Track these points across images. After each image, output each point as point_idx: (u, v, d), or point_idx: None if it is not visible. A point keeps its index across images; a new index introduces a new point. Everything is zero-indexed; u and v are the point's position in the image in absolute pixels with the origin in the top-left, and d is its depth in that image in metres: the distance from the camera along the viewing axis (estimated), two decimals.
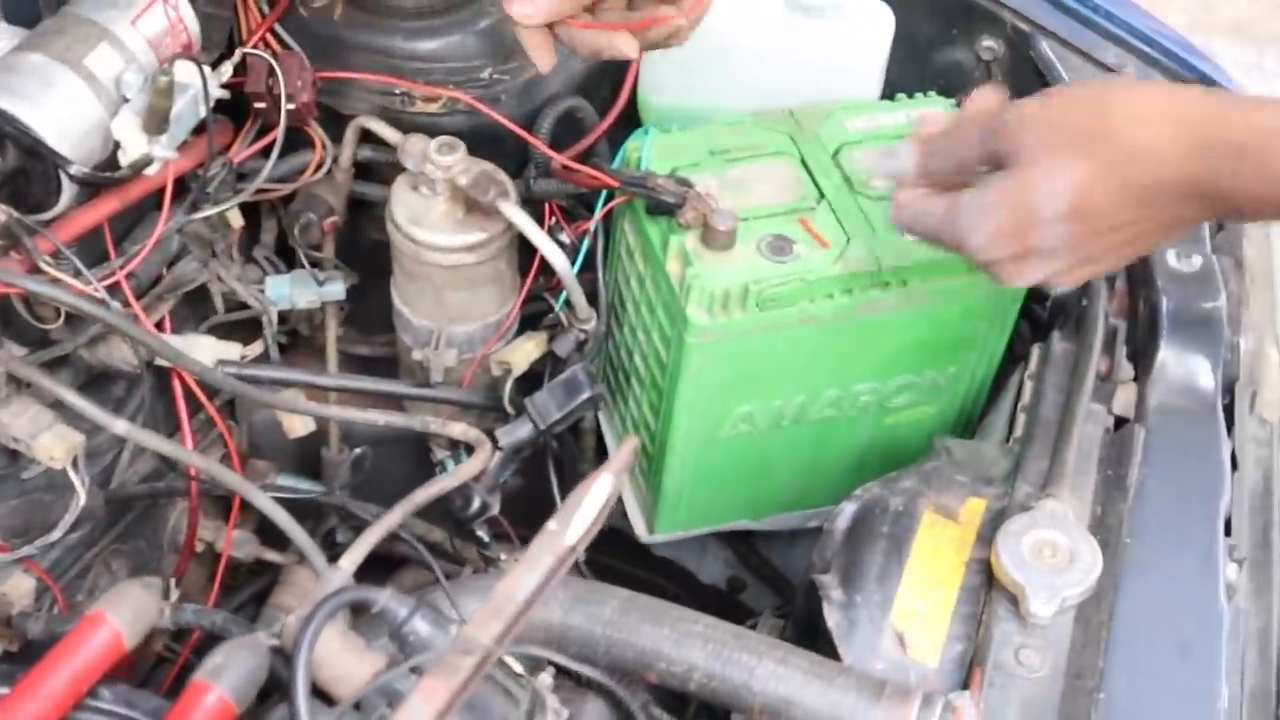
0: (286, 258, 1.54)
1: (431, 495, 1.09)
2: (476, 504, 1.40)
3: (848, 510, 1.24)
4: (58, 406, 1.18)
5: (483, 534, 1.44)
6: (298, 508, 1.53)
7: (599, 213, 1.39)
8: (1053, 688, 1.10)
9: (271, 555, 1.62)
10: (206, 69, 1.18)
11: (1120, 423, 1.32)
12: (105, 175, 1.15)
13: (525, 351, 1.42)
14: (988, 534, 1.19)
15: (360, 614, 1.07)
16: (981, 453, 1.32)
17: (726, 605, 1.81)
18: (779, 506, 1.59)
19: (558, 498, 1.60)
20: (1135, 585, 1.17)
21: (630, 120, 1.57)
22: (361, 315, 1.60)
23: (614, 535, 1.69)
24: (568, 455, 1.64)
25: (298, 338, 1.63)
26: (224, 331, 1.47)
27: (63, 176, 1.12)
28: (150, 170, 1.15)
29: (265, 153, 1.42)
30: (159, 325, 1.39)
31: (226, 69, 1.25)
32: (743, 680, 1.08)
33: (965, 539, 1.21)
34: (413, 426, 1.25)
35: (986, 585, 1.17)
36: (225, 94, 1.25)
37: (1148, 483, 1.25)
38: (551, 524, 0.83)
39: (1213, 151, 1.01)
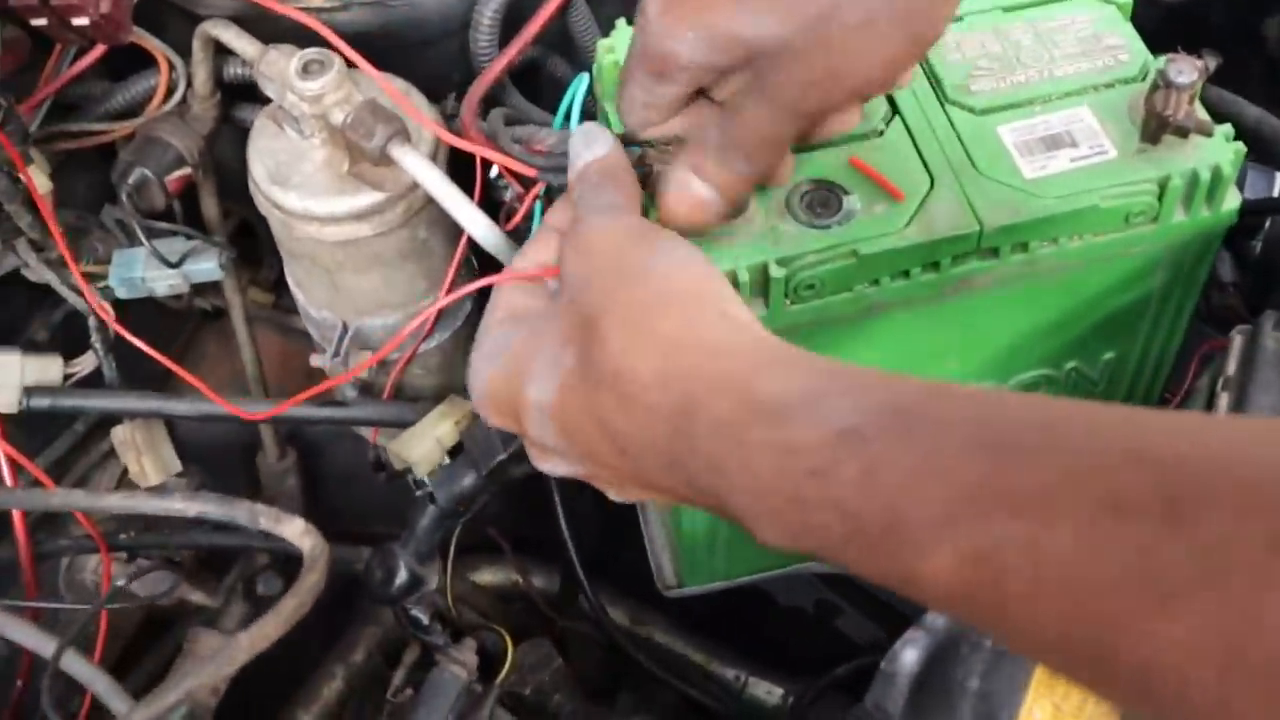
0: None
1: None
2: (403, 576, 0.98)
3: (917, 644, 0.77)
4: None
5: (419, 614, 1.01)
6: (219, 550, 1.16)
7: (528, 198, 0.92)
8: None
9: (197, 597, 1.22)
10: None
11: None
12: None
13: (431, 441, 0.97)
14: None
15: None
16: None
17: (817, 634, 1.36)
18: None
19: (563, 521, 1.16)
20: None
21: None
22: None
23: None
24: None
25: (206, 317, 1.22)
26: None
27: None
28: None
29: (108, 73, 0.99)
30: None
31: None
32: None
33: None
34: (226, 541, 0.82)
35: None
36: None
37: None
38: None
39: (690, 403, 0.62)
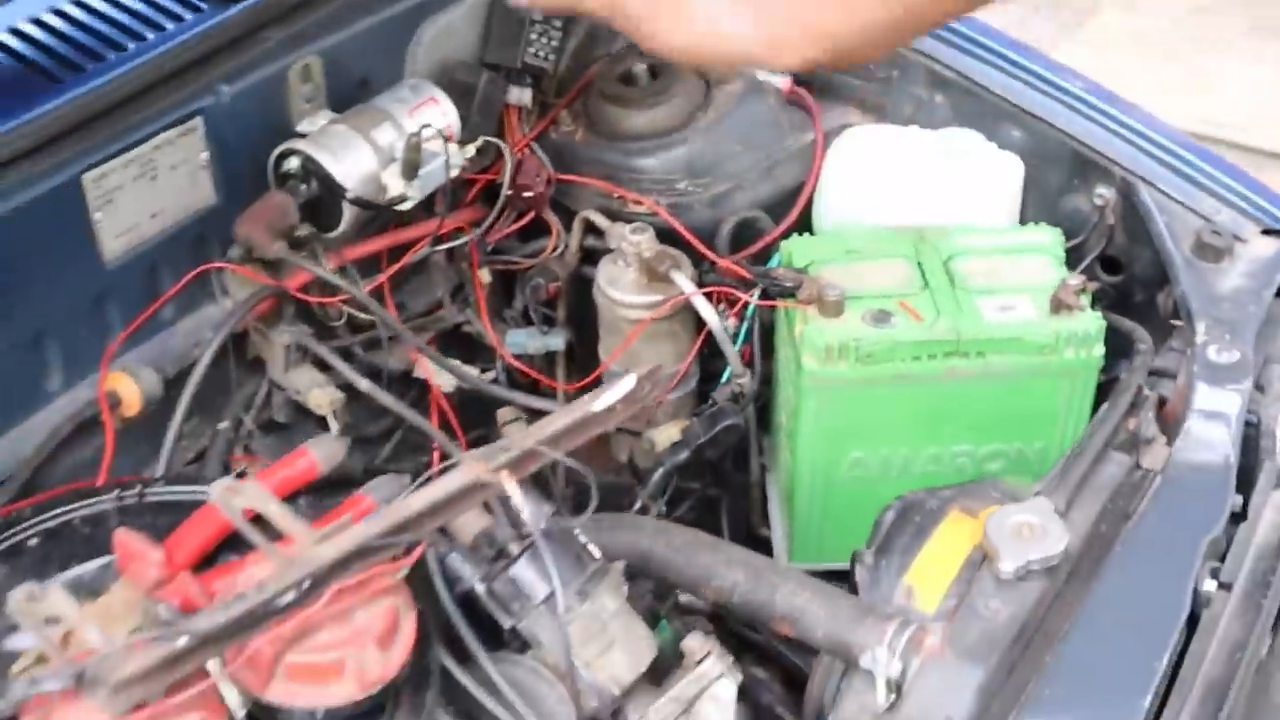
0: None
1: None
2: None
3: (896, 505, 1.57)
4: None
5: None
6: None
7: (747, 296, 1.80)
8: (1008, 631, 1.39)
9: None
10: (453, 146, 1.68)
11: None
12: (369, 201, 1.65)
13: (668, 434, 1.85)
14: None
15: None
16: (1024, 489, 1.64)
17: None
18: None
19: None
20: (1113, 576, 1.44)
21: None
22: (584, 369, 2.05)
23: None
24: (735, 508, 2.01)
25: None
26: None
27: (344, 205, 1.63)
28: (403, 206, 1.65)
29: (521, 236, 1.94)
30: None
31: (470, 150, 1.75)
32: (768, 597, 1.43)
33: (979, 530, 1.52)
34: None
35: (982, 560, 1.48)
36: (464, 164, 1.73)
37: (1148, 515, 1.52)
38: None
39: None
